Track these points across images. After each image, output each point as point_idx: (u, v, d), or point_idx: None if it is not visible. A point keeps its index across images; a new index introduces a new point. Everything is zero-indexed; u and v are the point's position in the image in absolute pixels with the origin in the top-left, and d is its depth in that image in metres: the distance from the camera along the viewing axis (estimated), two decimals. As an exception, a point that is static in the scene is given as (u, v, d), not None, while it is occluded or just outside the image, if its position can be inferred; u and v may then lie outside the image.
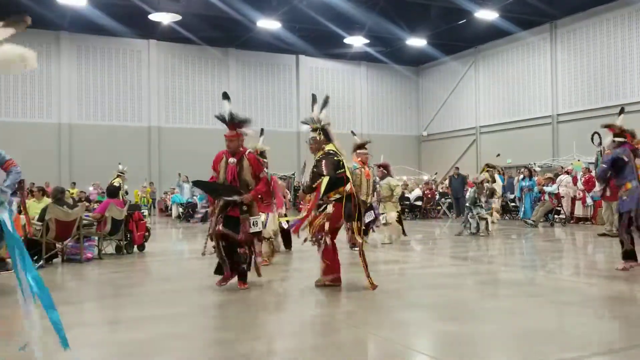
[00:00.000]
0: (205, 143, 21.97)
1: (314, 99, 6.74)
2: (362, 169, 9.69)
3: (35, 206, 10.27)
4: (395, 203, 11.40)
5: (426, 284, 6.88)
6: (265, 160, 8.25)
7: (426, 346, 4.34)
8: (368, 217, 9.64)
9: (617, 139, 7.44)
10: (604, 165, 7.50)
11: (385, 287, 6.24)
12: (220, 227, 6.23)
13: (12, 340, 4.55)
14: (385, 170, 11.50)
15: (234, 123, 6.36)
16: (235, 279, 6.41)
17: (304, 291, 6.55)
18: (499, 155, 11.34)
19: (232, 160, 6.31)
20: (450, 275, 7.68)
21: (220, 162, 6.42)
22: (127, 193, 17.30)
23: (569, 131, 22.60)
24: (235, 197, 6.19)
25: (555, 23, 23.66)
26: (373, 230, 10.82)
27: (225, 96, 6.53)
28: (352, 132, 11.38)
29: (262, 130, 9.35)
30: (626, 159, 7.25)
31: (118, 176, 17.16)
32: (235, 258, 6.30)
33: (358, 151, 9.94)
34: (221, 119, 6.40)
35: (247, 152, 6.38)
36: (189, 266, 8.99)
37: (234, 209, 6.27)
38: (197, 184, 6.83)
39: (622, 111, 7.99)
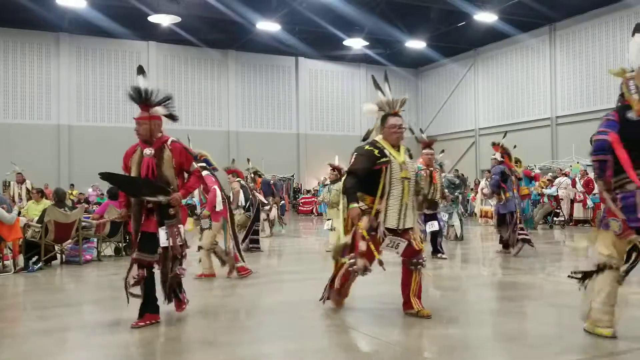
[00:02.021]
0: (205, 145, 21.88)
1: (381, 81, 5.45)
2: (427, 171, 9.05)
3: (34, 208, 10.26)
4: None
5: (424, 287, 6.87)
6: (201, 164, 7.24)
7: (425, 349, 4.34)
8: (430, 227, 9.23)
9: (498, 159, 9.57)
10: (495, 176, 9.45)
11: (383, 289, 6.24)
12: (135, 253, 4.90)
13: (13, 342, 4.54)
14: (338, 173, 10.56)
15: (147, 102, 4.93)
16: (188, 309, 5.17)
17: (303, 294, 6.55)
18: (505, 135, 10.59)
19: (148, 151, 4.87)
20: (448, 278, 7.68)
21: (132, 156, 4.96)
22: None
23: (568, 133, 22.62)
24: (161, 198, 4.78)
25: (554, 25, 23.69)
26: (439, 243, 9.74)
27: (140, 70, 5.09)
28: (411, 130, 10.78)
29: (188, 137, 8.02)
30: (509, 173, 9.42)
31: None
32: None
33: (423, 151, 9.17)
34: (133, 96, 4.97)
35: (169, 141, 4.94)
36: (186, 268, 8.97)
37: (149, 220, 4.88)
38: (108, 177, 4.84)
39: (505, 135, 10.26)
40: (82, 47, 25.14)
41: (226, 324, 5.13)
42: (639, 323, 4.96)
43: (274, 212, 13.91)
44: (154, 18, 21.51)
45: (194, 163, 5.06)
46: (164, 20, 21.84)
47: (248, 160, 14.43)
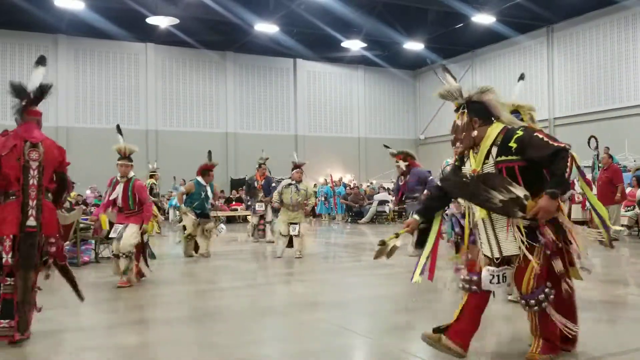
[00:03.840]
0: (202, 146, 21.90)
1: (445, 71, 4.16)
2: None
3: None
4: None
5: (422, 288, 6.87)
6: (121, 162, 7.50)
7: (422, 350, 4.34)
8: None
9: (404, 163, 9.03)
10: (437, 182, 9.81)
11: (381, 291, 6.24)
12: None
13: (10, 344, 4.53)
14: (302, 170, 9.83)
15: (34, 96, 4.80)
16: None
17: (299, 296, 6.56)
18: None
19: None
20: (446, 279, 7.66)
21: None
22: (158, 195, 15.96)
23: (566, 135, 22.60)
24: None
25: (552, 27, 23.74)
26: None
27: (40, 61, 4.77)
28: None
29: (117, 127, 8.24)
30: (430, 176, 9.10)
31: (151, 176, 15.74)
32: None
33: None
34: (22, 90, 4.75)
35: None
36: (185, 270, 8.98)
37: None
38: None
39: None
40: (80, 49, 25.13)
41: (223, 326, 5.13)
42: (637, 324, 4.96)
43: (269, 216, 12.66)
44: (152, 20, 21.51)
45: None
46: (162, 22, 21.85)
47: (262, 150, 14.41)
